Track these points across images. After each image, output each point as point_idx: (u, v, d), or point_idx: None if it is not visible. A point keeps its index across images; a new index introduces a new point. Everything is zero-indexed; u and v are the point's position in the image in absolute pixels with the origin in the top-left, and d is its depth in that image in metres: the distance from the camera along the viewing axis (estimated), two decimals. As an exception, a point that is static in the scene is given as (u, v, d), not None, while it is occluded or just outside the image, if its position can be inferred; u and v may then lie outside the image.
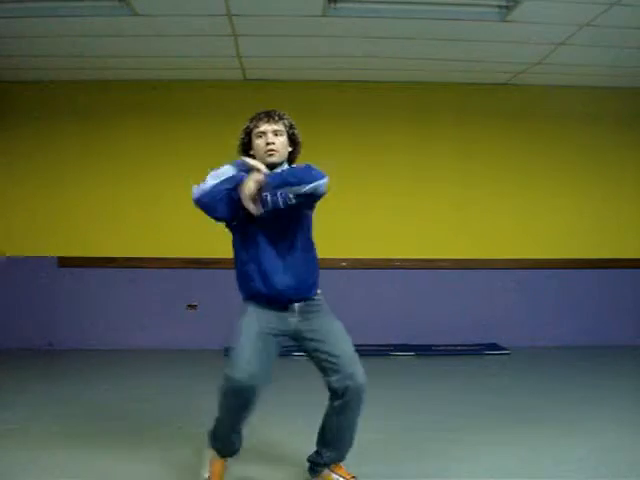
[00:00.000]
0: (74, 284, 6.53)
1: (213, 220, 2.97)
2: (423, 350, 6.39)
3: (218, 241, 6.53)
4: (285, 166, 3.02)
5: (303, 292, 2.99)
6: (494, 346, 6.50)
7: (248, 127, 3.04)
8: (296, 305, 2.98)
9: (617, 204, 6.83)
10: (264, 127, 2.98)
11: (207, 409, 4.42)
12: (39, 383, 5.14)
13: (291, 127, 3.05)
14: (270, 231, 2.96)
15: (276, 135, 2.98)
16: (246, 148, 3.05)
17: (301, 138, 3.10)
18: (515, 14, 4.87)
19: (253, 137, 3.01)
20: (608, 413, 4.30)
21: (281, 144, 2.99)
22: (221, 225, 3.03)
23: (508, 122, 6.77)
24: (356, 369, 2.94)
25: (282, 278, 2.95)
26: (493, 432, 3.91)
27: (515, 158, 6.79)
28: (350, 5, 4.88)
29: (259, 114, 3.03)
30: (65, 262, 6.53)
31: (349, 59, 6.04)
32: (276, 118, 3.00)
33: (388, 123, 6.71)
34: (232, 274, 3.08)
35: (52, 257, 6.52)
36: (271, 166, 2.95)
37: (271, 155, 2.97)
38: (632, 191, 6.85)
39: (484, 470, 3.28)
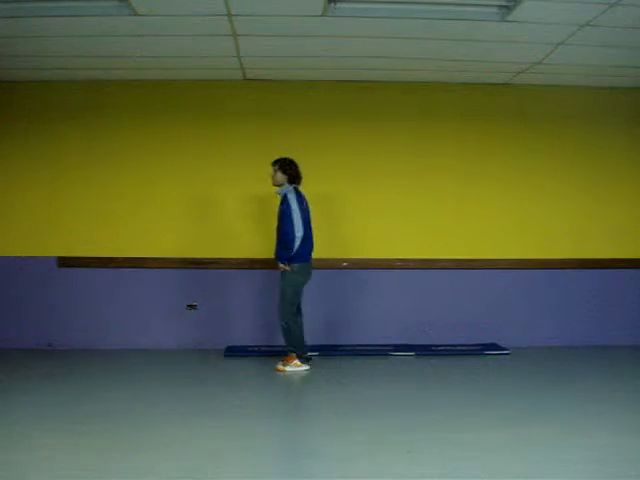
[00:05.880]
0: (74, 284, 6.53)
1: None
2: (423, 350, 6.40)
3: (217, 242, 6.60)
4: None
5: None
6: (494, 346, 6.50)
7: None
8: None
9: (617, 204, 6.83)
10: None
11: (207, 408, 4.45)
12: (39, 383, 5.13)
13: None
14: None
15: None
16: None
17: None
18: (515, 14, 4.87)
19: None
20: (608, 413, 4.30)
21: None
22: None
23: (508, 122, 6.78)
24: None
25: None
26: (493, 432, 3.91)
27: (515, 158, 6.79)
28: (350, 5, 4.88)
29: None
30: (65, 262, 6.53)
31: (349, 59, 6.04)
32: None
33: (388, 123, 6.71)
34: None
35: (52, 257, 6.52)
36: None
37: None
38: (632, 191, 6.85)
39: (484, 470, 3.28)
